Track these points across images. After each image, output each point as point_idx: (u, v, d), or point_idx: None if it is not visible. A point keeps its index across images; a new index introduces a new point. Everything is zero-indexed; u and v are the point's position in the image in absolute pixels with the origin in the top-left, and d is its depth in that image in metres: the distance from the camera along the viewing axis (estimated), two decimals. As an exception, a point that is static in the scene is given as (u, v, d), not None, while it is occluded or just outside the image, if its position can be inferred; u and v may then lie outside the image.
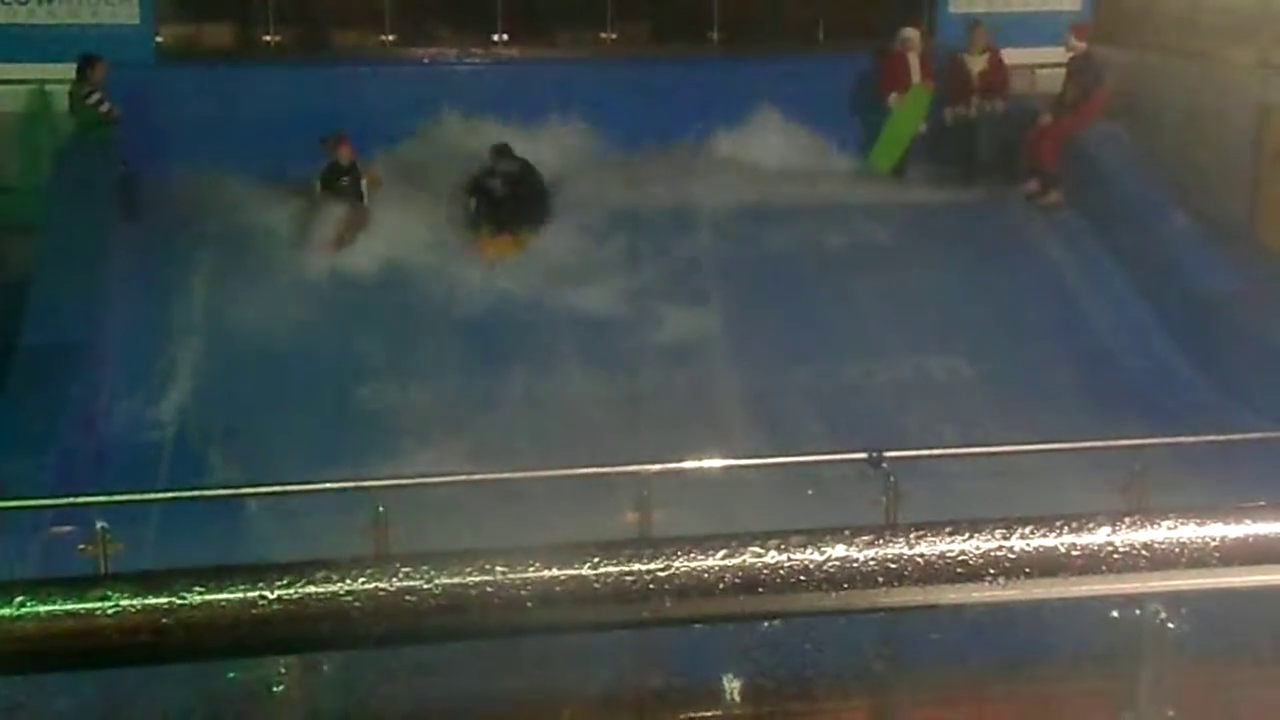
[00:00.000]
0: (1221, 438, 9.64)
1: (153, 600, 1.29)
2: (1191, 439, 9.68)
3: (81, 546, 7.21)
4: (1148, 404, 13.04)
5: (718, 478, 8.87)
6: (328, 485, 8.57)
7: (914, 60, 16.79)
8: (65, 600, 1.28)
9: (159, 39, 16.90)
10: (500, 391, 12.91)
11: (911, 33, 16.90)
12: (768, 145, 16.59)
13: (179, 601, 1.29)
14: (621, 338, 13.65)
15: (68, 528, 8.09)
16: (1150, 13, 17.34)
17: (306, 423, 12.21)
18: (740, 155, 16.39)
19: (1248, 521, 1.39)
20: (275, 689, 4.06)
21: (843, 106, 17.16)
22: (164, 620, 1.28)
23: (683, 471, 8.33)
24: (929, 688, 6.42)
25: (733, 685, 5.79)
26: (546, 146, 15.89)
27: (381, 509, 7.53)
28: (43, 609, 1.27)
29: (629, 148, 16.30)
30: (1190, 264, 14.59)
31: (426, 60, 17.34)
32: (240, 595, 1.30)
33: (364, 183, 15.03)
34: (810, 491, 9.05)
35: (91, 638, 1.28)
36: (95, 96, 15.05)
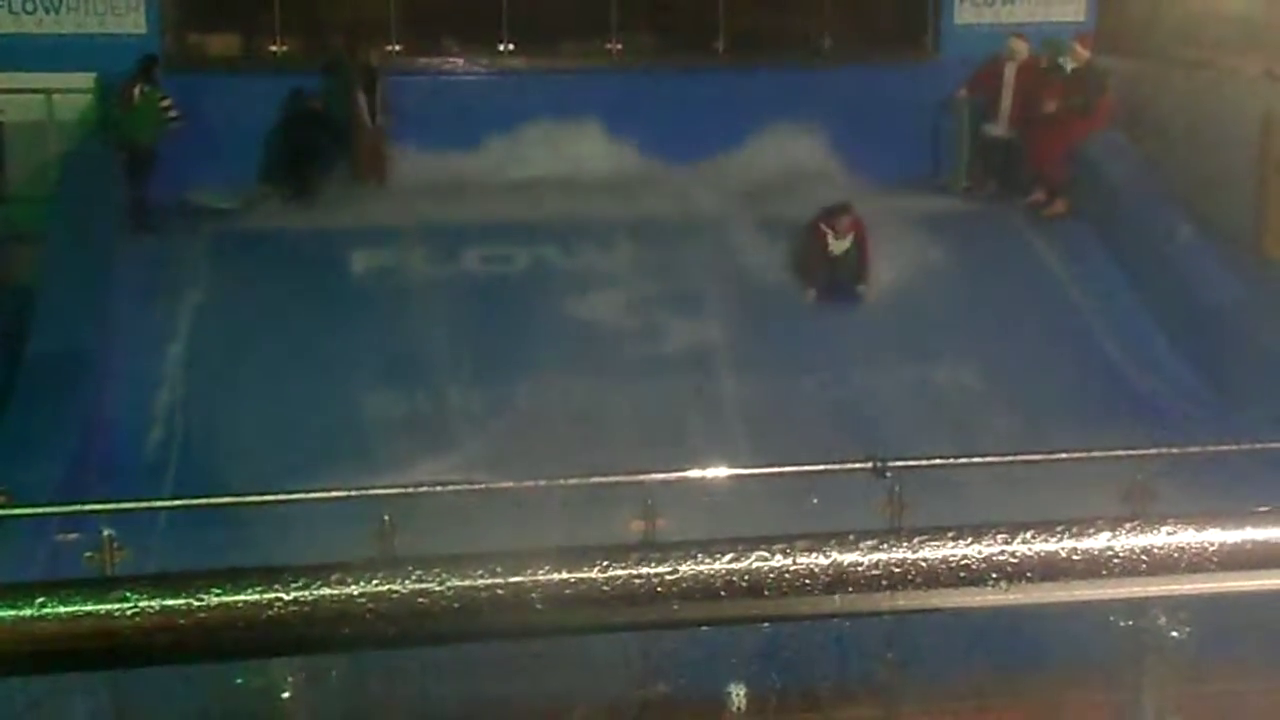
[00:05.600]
0: (1224, 448, 9.61)
1: (170, 601, 1.31)
2: (1195, 449, 9.66)
3: (88, 554, 7.20)
4: (1151, 413, 13.04)
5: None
6: (333, 494, 8.54)
7: (1010, 74, 16.27)
8: (85, 601, 1.30)
9: (165, 49, 16.93)
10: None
11: (1017, 44, 16.46)
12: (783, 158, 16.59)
13: (196, 603, 1.31)
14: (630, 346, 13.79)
15: (74, 535, 8.09)
16: (1155, 23, 17.34)
17: (313, 427, 12.25)
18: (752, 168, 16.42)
19: (1247, 527, 1.41)
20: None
21: (853, 118, 16.98)
22: (181, 621, 1.30)
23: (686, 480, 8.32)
24: (933, 694, 6.43)
25: (739, 691, 5.79)
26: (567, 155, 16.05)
27: (388, 518, 7.52)
28: (63, 609, 1.29)
29: (642, 159, 16.42)
30: (1195, 273, 14.58)
31: (432, 70, 17.37)
32: (256, 597, 1.32)
33: None
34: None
35: (110, 638, 1.30)
36: (167, 100, 15.22)
